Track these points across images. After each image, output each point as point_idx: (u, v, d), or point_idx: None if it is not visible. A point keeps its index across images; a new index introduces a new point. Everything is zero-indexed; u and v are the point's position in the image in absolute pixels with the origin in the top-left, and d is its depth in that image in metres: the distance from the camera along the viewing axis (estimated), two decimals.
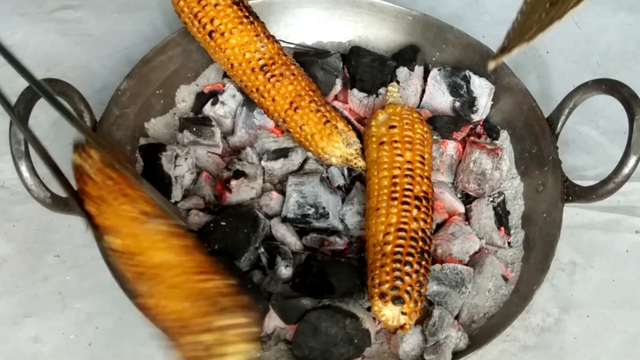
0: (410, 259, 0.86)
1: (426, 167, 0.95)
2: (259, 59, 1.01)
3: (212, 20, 1.01)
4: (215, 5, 1.01)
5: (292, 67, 1.03)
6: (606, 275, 1.06)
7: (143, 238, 0.73)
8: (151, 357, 0.94)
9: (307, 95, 1.01)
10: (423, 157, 0.95)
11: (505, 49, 0.80)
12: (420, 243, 0.88)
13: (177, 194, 0.99)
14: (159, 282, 0.71)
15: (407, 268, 0.85)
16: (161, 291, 0.71)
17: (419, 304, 0.85)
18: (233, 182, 0.99)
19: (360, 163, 0.99)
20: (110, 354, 0.95)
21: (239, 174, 0.99)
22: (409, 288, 0.84)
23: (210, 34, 1.02)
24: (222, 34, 1.01)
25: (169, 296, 0.71)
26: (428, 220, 0.91)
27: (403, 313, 0.84)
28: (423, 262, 0.87)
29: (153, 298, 0.71)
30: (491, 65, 0.83)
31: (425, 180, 0.94)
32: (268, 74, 1.01)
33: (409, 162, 0.94)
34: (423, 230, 0.90)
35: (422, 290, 0.86)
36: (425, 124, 1.00)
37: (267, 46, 1.02)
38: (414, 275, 0.85)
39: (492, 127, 1.12)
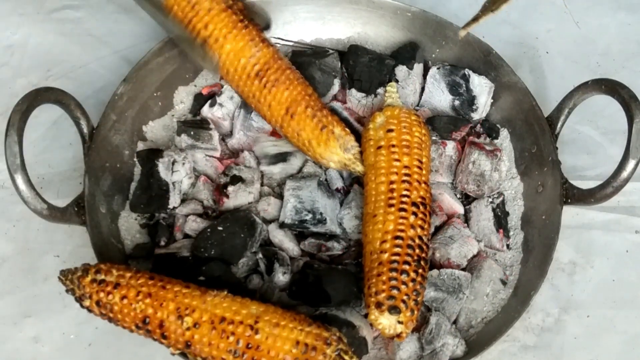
0: (406, 267, 0.85)
1: (424, 172, 0.94)
2: (254, 65, 1.00)
3: (206, 26, 0.99)
4: (209, 10, 0.99)
5: (288, 71, 1.01)
6: (606, 275, 1.06)
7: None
8: (151, 357, 0.95)
9: (304, 101, 0.99)
10: (421, 162, 0.94)
11: (474, 18, 0.93)
12: (417, 251, 0.88)
13: (174, 199, 0.99)
14: None
15: (404, 277, 0.85)
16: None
17: (416, 312, 0.85)
18: (230, 188, 0.98)
19: (359, 168, 0.98)
20: (110, 354, 0.97)
21: (235, 180, 0.99)
22: (405, 297, 0.84)
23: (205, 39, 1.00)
24: (217, 40, 1.00)
25: None
26: (425, 227, 0.91)
27: (399, 322, 0.84)
28: (420, 270, 0.87)
29: None
30: (462, 33, 0.98)
31: (423, 185, 0.93)
32: (263, 80, 0.99)
33: (406, 167, 0.93)
34: (420, 238, 0.89)
35: (418, 299, 0.85)
36: (424, 126, 0.99)
37: (262, 50, 1.00)
38: (411, 284, 0.85)
39: (492, 125, 1.11)
